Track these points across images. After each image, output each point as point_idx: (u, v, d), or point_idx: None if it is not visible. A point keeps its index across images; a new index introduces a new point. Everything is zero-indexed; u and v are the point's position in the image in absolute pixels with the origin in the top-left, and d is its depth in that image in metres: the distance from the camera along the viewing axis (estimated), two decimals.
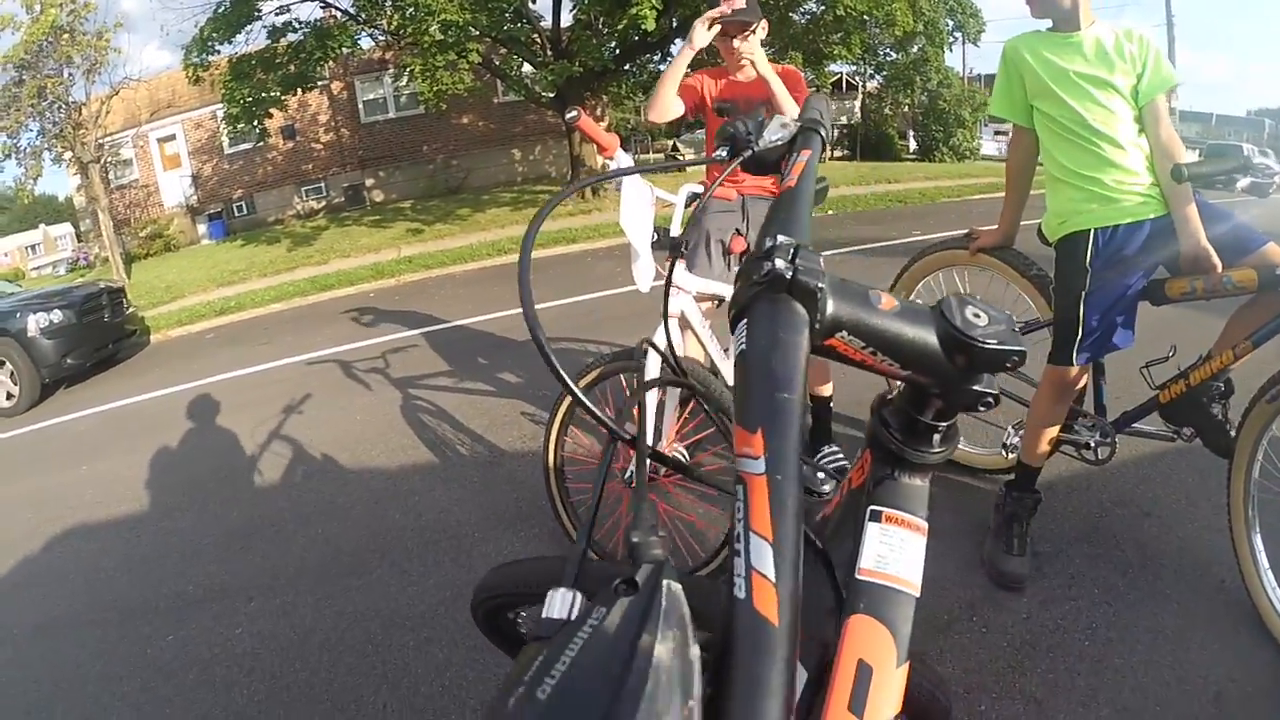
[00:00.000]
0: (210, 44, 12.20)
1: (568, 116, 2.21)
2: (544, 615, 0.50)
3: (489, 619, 1.07)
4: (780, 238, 0.56)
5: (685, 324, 2.41)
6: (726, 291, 2.44)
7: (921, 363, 0.57)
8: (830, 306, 0.55)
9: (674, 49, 15.30)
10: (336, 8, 13.22)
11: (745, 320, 0.54)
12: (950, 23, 14.59)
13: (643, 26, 10.44)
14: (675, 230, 2.35)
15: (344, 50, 13.03)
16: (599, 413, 0.72)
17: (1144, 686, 1.81)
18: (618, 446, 0.72)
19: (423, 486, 3.31)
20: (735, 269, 2.61)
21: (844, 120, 24.94)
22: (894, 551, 0.60)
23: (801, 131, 0.87)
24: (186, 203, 19.88)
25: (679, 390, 2.05)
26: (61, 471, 4.50)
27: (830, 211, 11.46)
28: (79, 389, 6.86)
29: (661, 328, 1.91)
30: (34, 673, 2.52)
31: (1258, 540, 1.96)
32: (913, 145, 23.82)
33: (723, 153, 0.91)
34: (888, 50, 15.46)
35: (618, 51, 12.96)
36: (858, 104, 26.03)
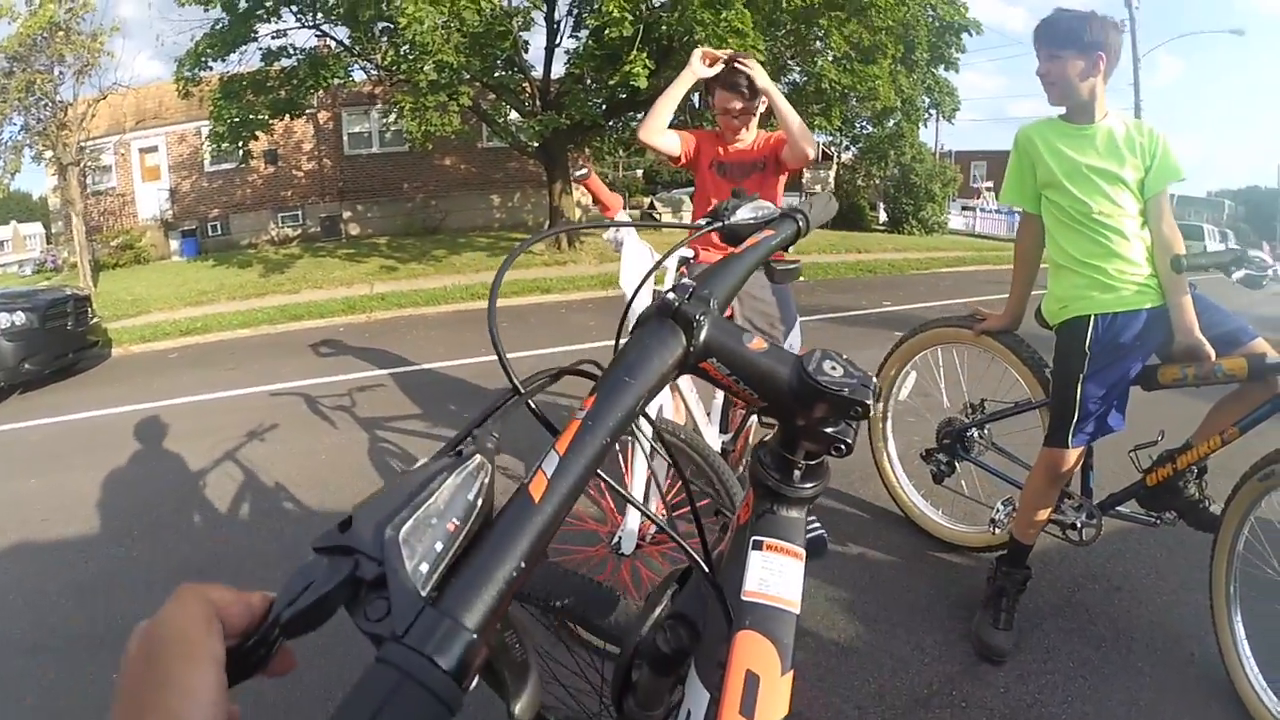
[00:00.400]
0: (204, 59, 12.23)
1: (577, 174, 2.25)
2: (408, 468, 0.60)
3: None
4: (685, 281, 0.71)
5: (672, 386, 2.43)
6: None
7: (776, 397, 0.68)
8: (704, 335, 0.67)
9: None
10: (332, 37, 13.33)
11: (635, 330, 0.69)
12: (927, 99, 15.09)
13: (635, 84, 10.64)
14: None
15: (336, 80, 13.10)
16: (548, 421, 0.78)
17: None
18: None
19: None
20: None
21: (817, 189, 25.49)
22: (774, 575, 0.68)
23: (780, 216, 0.98)
24: (161, 216, 19.59)
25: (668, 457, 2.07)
26: (8, 481, 4.34)
27: (802, 279, 11.60)
28: (34, 395, 6.66)
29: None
30: None
31: (1237, 616, 2.02)
32: (883, 216, 24.40)
33: (702, 221, 1.00)
34: (865, 123, 15.94)
35: (604, 107, 13.16)
36: (832, 174, 26.66)
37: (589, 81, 12.94)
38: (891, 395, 3.11)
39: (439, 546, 0.50)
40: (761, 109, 2.76)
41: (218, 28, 12.23)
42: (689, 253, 2.53)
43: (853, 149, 24.55)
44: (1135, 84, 21.20)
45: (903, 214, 22.81)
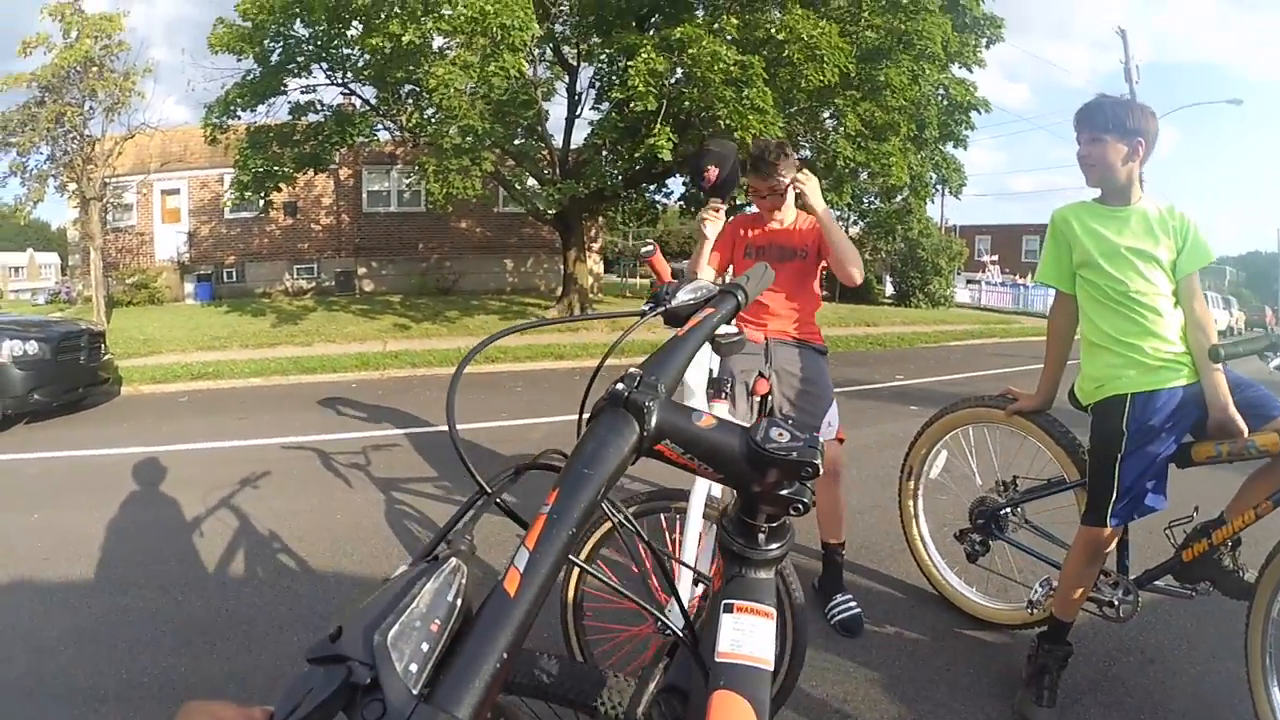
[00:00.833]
0: (233, 108, 12.50)
1: (643, 251, 2.31)
2: (389, 576, 0.63)
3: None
4: (631, 370, 0.75)
5: None
6: None
7: (730, 468, 0.72)
8: (655, 420, 0.71)
9: (674, 181, 15.95)
10: (359, 96, 13.64)
11: (590, 422, 0.74)
12: (934, 175, 15.38)
13: (659, 156, 10.83)
14: (715, 371, 2.38)
15: (361, 138, 13.36)
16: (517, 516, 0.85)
17: None
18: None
19: None
20: (758, 409, 2.64)
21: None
22: (745, 635, 0.71)
23: (720, 293, 1.04)
24: (178, 258, 19.88)
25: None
26: (10, 514, 4.25)
27: None
28: (40, 427, 6.60)
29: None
30: None
31: (1275, 686, 1.99)
32: (889, 290, 24.66)
33: (646, 307, 1.06)
34: (873, 198, 16.20)
35: (620, 178, 13.39)
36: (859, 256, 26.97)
37: (608, 152, 13.18)
38: (923, 474, 3.08)
39: (425, 646, 0.54)
40: (789, 174, 2.79)
41: (249, 78, 12.54)
42: (733, 330, 2.54)
43: (860, 224, 24.96)
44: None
45: (910, 288, 23.12)
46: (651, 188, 17.29)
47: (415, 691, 0.50)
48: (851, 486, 3.73)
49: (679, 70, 11.04)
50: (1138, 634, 2.72)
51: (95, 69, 13.40)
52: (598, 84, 14.78)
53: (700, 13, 12.58)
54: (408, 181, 19.37)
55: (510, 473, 0.90)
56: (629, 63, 10.87)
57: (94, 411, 7.52)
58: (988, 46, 14.46)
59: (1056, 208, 2.35)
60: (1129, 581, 2.34)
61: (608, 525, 2.25)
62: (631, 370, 0.75)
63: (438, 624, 0.55)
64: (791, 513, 0.72)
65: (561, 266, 16.18)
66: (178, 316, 15.29)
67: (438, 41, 10.74)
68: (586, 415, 0.77)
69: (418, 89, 11.89)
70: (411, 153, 15.25)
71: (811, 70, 10.73)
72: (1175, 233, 2.14)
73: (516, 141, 13.35)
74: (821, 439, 0.77)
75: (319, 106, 13.30)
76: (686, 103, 11.01)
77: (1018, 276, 30.15)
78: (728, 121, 10.39)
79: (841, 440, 2.88)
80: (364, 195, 20.67)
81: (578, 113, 15.19)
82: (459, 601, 0.58)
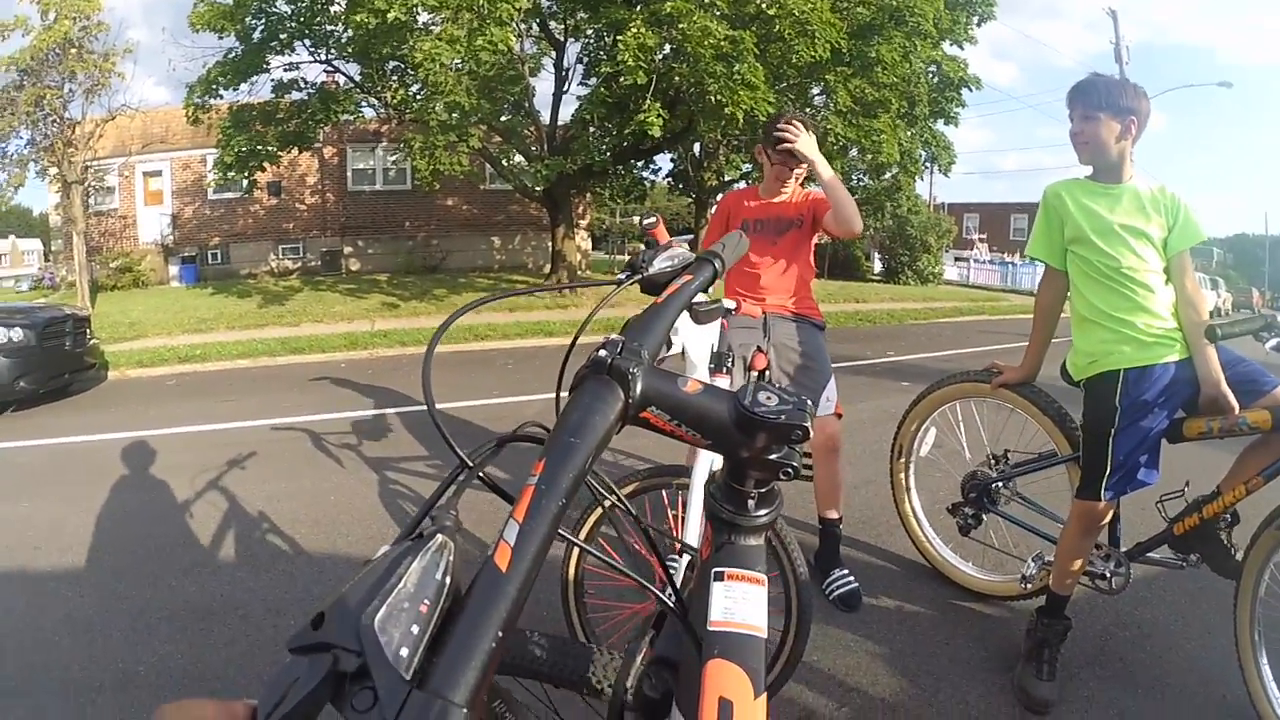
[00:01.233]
0: (215, 87, 12.37)
1: (646, 222, 2.28)
2: (371, 558, 0.60)
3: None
4: (613, 336, 0.74)
5: None
6: None
7: (718, 434, 0.70)
8: (640, 386, 0.70)
9: (663, 158, 15.88)
10: (343, 73, 13.47)
11: (573, 391, 0.72)
12: (924, 153, 15.36)
13: (649, 132, 10.76)
14: (717, 345, 2.36)
15: (346, 116, 13.22)
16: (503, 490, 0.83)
17: None
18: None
19: None
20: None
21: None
22: (737, 603, 0.70)
23: (696, 260, 1.04)
24: (162, 241, 19.68)
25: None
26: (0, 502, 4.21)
27: None
28: (26, 415, 6.53)
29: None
30: None
31: (1264, 661, 2.05)
32: (878, 266, 24.68)
33: (622, 275, 1.05)
34: (861, 175, 16.18)
35: (609, 153, 13.31)
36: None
37: (596, 128, 13.10)
38: (913, 451, 3.09)
39: (415, 629, 0.51)
40: (802, 172, 2.81)
41: (230, 56, 12.41)
42: (730, 304, 2.53)
43: None
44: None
45: (899, 264, 23.12)
46: (640, 164, 17.22)
47: (407, 677, 0.48)
48: (847, 461, 3.74)
49: (668, 45, 10.94)
50: (1133, 608, 2.74)
51: (74, 51, 13.20)
52: (585, 59, 14.66)
53: None
54: (393, 159, 19.20)
55: (492, 445, 0.88)
56: (618, 37, 10.75)
57: (81, 397, 7.45)
58: (979, 24, 14.41)
59: (1049, 183, 2.36)
60: (1120, 554, 2.36)
61: (599, 512, 2.25)
62: (613, 337, 0.74)
63: (427, 604, 0.53)
64: (781, 477, 0.72)
65: (550, 243, 16.10)
66: (163, 299, 15.13)
67: (423, 17, 10.59)
68: (569, 387, 0.75)
69: (403, 65, 11.76)
70: (397, 130, 15.09)
71: (803, 46, 10.66)
72: (1166, 211, 2.16)
73: (504, 118, 13.25)
74: (820, 414, 0.76)
75: (302, 84, 13.17)
76: (676, 78, 10.93)
77: (1006, 254, 30.23)
78: (718, 97, 10.31)
79: (840, 415, 2.88)
80: (349, 174, 20.47)
81: (565, 88, 15.09)
82: (448, 580, 0.56)
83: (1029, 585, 2.54)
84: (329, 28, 12.32)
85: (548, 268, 16.66)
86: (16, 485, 4.55)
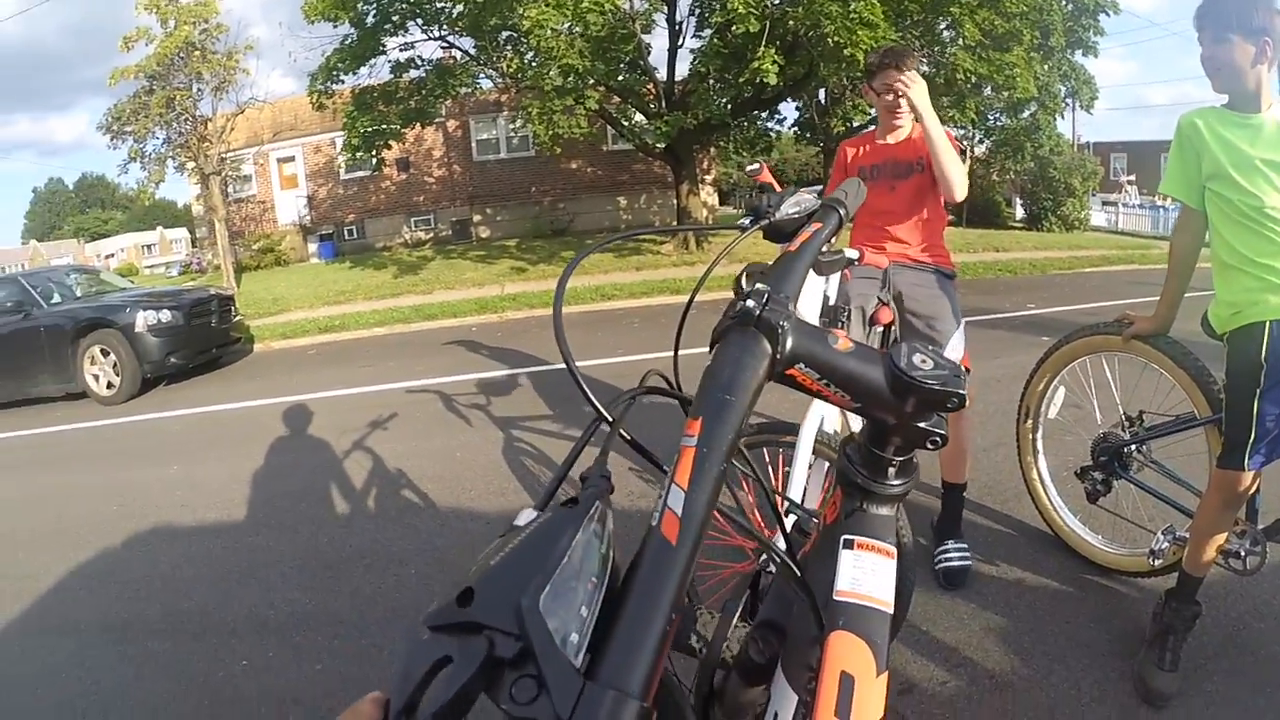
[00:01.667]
0: (335, 73, 12.81)
1: (750, 169, 2.25)
2: (512, 524, 0.56)
3: None
4: (758, 285, 0.69)
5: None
6: None
7: (869, 397, 0.66)
8: (790, 342, 0.65)
9: (786, 107, 15.39)
10: (457, 47, 13.70)
11: (718, 344, 0.67)
12: (1063, 88, 14.19)
13: (765, 80, 10.44)
14: (832, 298, 2.24)
15: (464, 89, 13.45)
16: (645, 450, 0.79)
17: None
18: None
19: None
20: (880, 341, 2.50)
21: None
22: (866, 574, 0.67)
23: (822, 207, 0.97)
24: (300, 221, 20.87)
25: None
26: (151, 468, 4.60)
27: None
28: (178, 388, 7.15)
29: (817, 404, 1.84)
30: (94, 674, 2.49)
31: None
32: (1019, 213, 23.16)
33: (746, 221, 1.00)
34: (998, 115, 15.13)
35: (729, 106, 13.01)
36: (964, 170, 25.58)
37: (714, 81, 12.80)
38: (1040, 412, 2.86)
39: (584, 611, 0.47)
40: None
41: (347, 42, 12.79)
42: (854, 254, 2.38)
43: (986, 143, 23.55)
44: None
45: (1041, 210, 21.49)
46: (763, 115, 16.77)
47: (579, 666, 0.44)
48: (978, 420, 3.52)
49: None
50: (1271, 596, 2.41)
51: (197, 53, 14.01)
52: (697, 11, 14.33)
53: None
54: (514, 127, 19.44)
55: (628, 398, 0.83)
56: None
57: (229, 369, 8.07)
58: None
59: (1183, 113, 2.09)
60: (1258, 531, 2.08)
61: None
62: (759, 286, 0.69)
63: (593, 582, 0.49)
64: (929, 446, 0.67)
65: (675, 201, 15.97)
66: (303, 276, 16.10)
67: None
68: (710, 341, 0.70)
69: (514, 34, 11.82)
70: (515, 98, 15.26)
71: None
72: None
73: (620, 77, 13.11)
74: None
75: (419, 62, 13.44)
76: (790, 22, 10.50)
77: (1158, 198, 27.75)
78: (836, 38, 9.83)
79: (967, 370, 2.68)
80: (473, 144, 20.95)
81: (680, 43, 14.81)
82: (611, 553, 0.53)
83: (1158, 561, 2.27)
84: (439, 4, 12.50)
85: (674, 224, 16.57)
86: (167, 450, 4.96)
